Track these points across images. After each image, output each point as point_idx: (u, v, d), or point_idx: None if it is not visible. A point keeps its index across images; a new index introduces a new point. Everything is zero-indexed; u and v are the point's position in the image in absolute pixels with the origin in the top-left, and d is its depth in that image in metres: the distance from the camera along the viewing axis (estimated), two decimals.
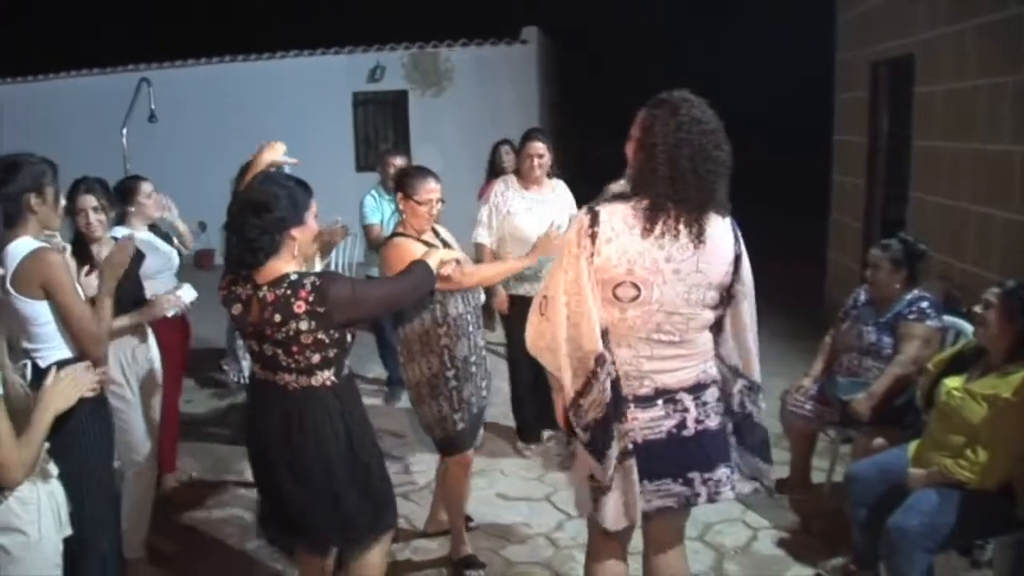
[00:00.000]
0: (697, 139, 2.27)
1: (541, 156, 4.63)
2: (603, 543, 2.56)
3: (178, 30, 14.61)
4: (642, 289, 2.28)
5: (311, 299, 2.44)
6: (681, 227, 2.27)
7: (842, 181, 7.13)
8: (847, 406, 3.67)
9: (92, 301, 2.80)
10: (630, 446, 2.35)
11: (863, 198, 6.58)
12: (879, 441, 3.51)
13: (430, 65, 11.23)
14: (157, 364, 3.74)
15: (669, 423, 2.37)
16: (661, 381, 2.37)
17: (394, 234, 3.44)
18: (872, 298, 3.88)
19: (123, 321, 3.32)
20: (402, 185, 3.38)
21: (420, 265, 2.77)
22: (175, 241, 4.42)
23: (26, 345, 2.61)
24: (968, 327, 3.58)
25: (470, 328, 3.44)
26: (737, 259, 2.39)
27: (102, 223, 3.52)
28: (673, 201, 2.26)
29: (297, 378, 2.56)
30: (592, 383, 2.31)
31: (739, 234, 2.42)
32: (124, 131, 6.44)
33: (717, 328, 2.46)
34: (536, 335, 2.45)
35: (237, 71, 11.42)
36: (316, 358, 2.53)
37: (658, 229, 2.26)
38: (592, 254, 2.28)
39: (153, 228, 4.23)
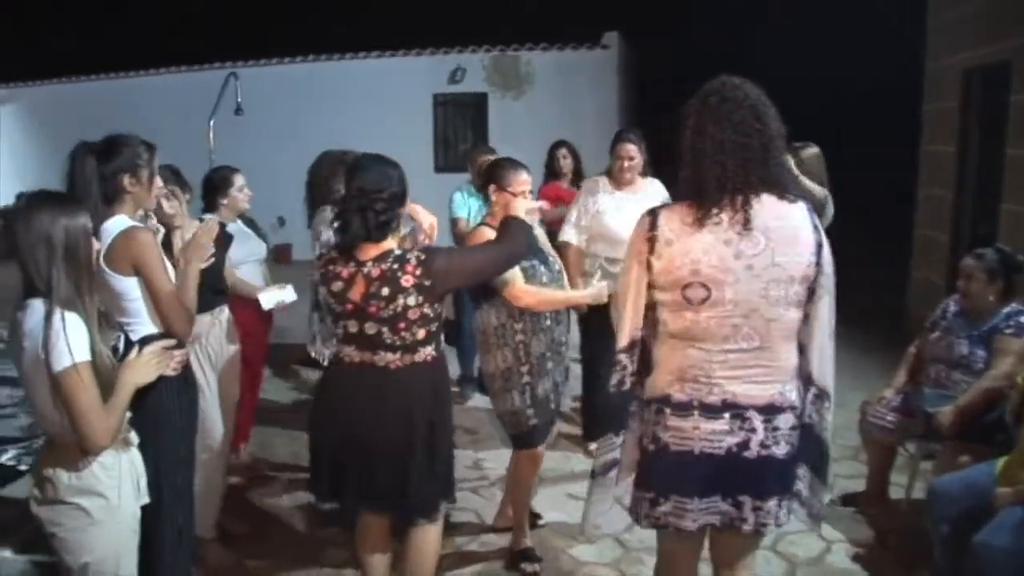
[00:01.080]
0: (736, 115, 2.17)
1: (632, 158, 4.60)
2: (672, 552, 2.49)
3: (264, 29, 15.01)
4: (712, 289, 2.17)
5: (418, 272, 2.56)
6: (742, 216, 2.15)
7: (929, 194, 6.94)
8: (932, 418, 3.56)
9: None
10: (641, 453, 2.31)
11: (951, 211, 6.39)
12: (964, 458, 3.40)
13: (511, 68, 11.30)
14: (235, 350, 3.83)
15: (732, 440, 2.23)
16: (731, 392, 2.22)
17: (480, 223, 3.47)
18: (963, 309, 3.76)
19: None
20: (495, 176, 3.39)
21: (515, 223, 2.82)
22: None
23: (119, 319, 2.71)
24: None
25: (547, 322, 3.42)
26: (819, 248, 2.23)
27: (175, 209, 3.58)
28: (723, 187, 2.15)
29: (401, 356, 2.63)
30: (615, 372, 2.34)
31: (818, 221, 2.26)
32: (211, 123, 6.63)
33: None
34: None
35: (321, 70, 11.68)
36: (421, 333, 2.62)
37: (716, 221, 2.15)
38: (648, 259, 2.22)
39: (242, 218, 4.34)
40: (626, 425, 2.38)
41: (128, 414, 2.33)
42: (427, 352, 2.66)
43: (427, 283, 2.55)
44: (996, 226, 5.55)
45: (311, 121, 10.25)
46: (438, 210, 5.34)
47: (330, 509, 2.89)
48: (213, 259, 2.97)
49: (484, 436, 5.14)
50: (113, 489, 2.28)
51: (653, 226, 2.23)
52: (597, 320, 4.61)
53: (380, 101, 11.03)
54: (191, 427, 2.97)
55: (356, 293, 2.60)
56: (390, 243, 2.65)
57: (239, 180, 4.20)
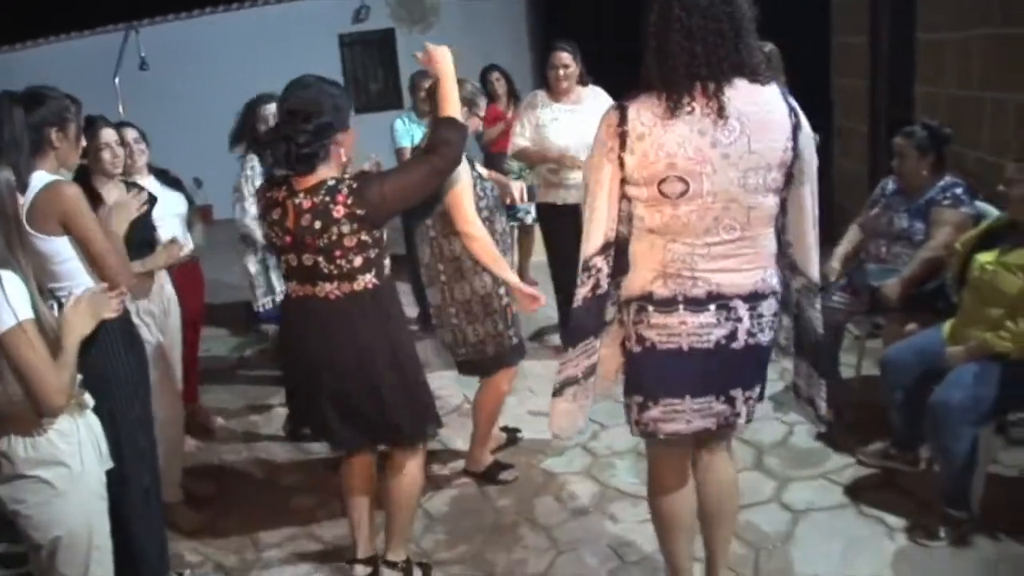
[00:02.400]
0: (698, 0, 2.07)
1: (567, 66, 4.57)
2: (661, 459, 2.46)
3: None
4: (690, 182, 2.08)
5: (349, 201, 2.44)
6: (716, 103, 2.05)
7: (843, 84, 7.04)
8: (877, 293, 3.67)
9: None
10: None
11: (866, 100, 6.50)
12: (911, 326, 3.52)
13: (415, 1, 11.01)
14: (175, 307, 3.70)
15: (720, 332, 2.18)
16: (716, 283, 2.16)
17: None
18: (900, 186, 3.85)
19: (136, 268, 3.27)
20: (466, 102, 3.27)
21: (446, 123, 2.62)
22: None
23: (50, 285, 2.54)
24: (994, 211, 3.56)
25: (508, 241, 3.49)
26: (795, 131, 2.14)
27: (119, 160, 3.41)
28: (693, 74, 2.05)
29: (339, 285, 2.54)
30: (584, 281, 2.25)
31: (794, 103, 2.17)
32: (116, 81, 6.30)
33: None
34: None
35: (223, 21, 11.15)
36: (358, 261, 2.51)
37: (688, 111, 2.06)
38: (620, 156, 2.13)
39: (163, 174, 4.12)
40: (600, 331, 2.32)
41: (79, 376, 2.23)
42: (367, 280, 2.55)
43: (360, 212, 2.44)
44: (911, 110, 5.67)
45: (219, 76, 9.80)
46: (358, 150, 5.26)
47: (295, 455, 2.85)
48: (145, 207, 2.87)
49: (434, 366, 5.10)
50: (74, 456, 2.18)
51: (623, 120, 2.13)
52: (559, 229, 4.66)
53: (286, 47, 10.62)
54: (143, 386, 2.85)
55: (291, 222, 2.49)
56: (325, 172, 2.51)
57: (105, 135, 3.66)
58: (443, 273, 3.37)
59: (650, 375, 2.26)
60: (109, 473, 2.36)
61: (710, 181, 2.07)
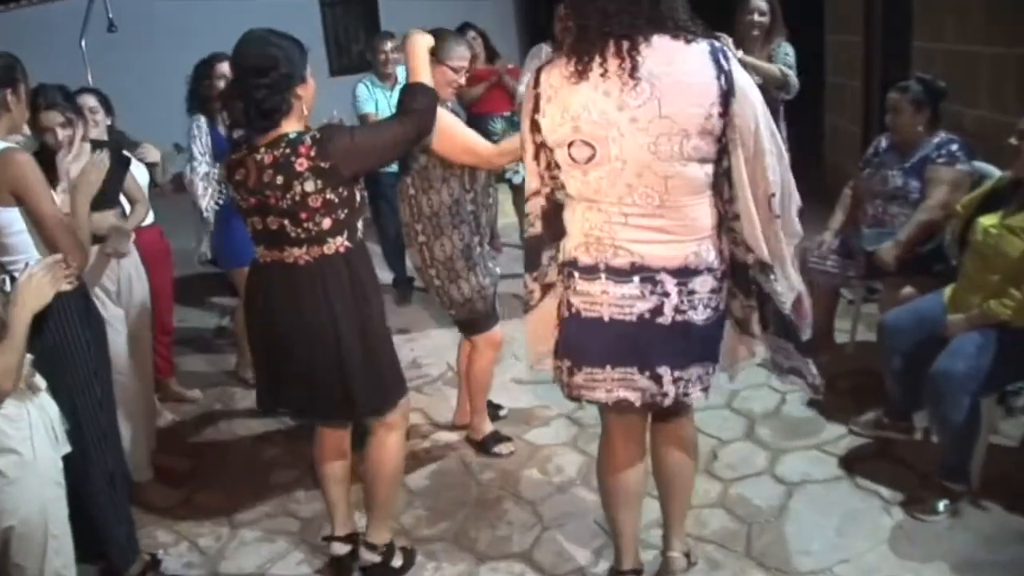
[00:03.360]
0: None
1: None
2: (607, 428, 2.41)
3: None
4: (596, 146, 1.98)
5: (312, 153, 2.28)
6: (621, 63, 1.91)
7: (838, 40, 6.87)
8: (873, 256, 3.54)
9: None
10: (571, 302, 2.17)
11: (861, 55, 6.34)
12: (908, 290, 3.40)
13: None
14: (141, 280, 3.55)
15: (643, 305, 2.06)
16: (639, 254, 2.04)
17: None
18: (894, 143, 3.70)
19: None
20: (434, 48, 3.12)
21: (419, 88, 2.49)
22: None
23: (1, 258, 2.41)
24: (995, 171, 3.42)
25: (490, 200, 3.35)
26: (725, 96, 1.93)
27: (70, 138, 3.23)
28: (605, 33, 1.92)
29: (308, 250, 2.39)
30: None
31: (729, 64, 1.95)
32: (83, 44, 6.03)
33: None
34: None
35: None
36: (327, 223, 2.36)
37: (594, 71, 1.94)
38: (534, 118, 2.10)
39: (123, 138, 3.93)
40: (537, 267, 2.32)
41: (29, 357, 2.08)
42: (338, 243, 2.40)
43: (324, 165, 2.28)
44: (908, 67, 5.51)
45: (193, 35, 9.49)
46: (340, 113, 5.09)
47: (275, 428, 2.72)
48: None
49: (419, 334, 4.99)
50: (25, 442, 2.04)
51: (536, 82, 2.07)
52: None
53: (263, 10, 10.34)
54: (103, 363, 2.69)
55: (252, 181, 2.34)
56: (288, 126, 2.36)
57: (88, 101, 3.67)
58: (421, 233, 3.24)
59: (574, 341, 2.18)
60: (70, 457, 2.24)
61: (617, 146, 1.96)
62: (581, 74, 1.95)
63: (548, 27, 4.68)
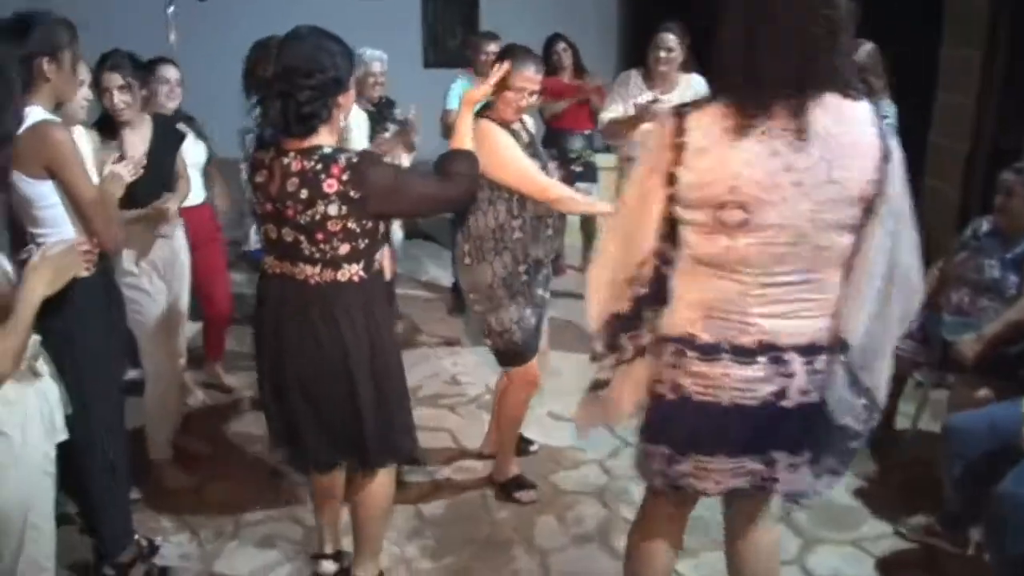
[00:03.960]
0: None
1: (671, 50, 4.22)
2: (661, 513, 2.16)
3: None
4: (753, 211, 1.74)
5: (345, 178, 2.12)
6: (790, 120, 1.70)
7: (947, 99, 6.49)
8: (951, 347, 3.25)
9: None
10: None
11: (971, 119, 5.96)
12: (984, 392, 3.11)
13: None
14: (183, 252, 3.48)
15: (768, 389, 1.85)
16: (770, 332, 1.82)
17: (480, 115, 3.05)
18: (998, 228, 3.38)
19: (131, 214, 3.04)
20: (499, 62, 2.99)
21: (461, 157, 2.38)
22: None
23: (31, 229, 2.34)
24: None
25: (549, 232, 3.14)
26: (883, 159, 1.76)
27: (129, 104, 3.16)
28: (779, 85, 1.70)
29: (321, 271, 2.24)
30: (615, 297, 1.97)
31: (885, 125, 1.79)
32: (169, 11, 6.01)
33: None
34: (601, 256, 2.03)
35: None
36: (344, 249, 2.21)
37: (763, 128, 1.70)
38: (673, 170, 1.79)
39: (190, 121, 3.82)
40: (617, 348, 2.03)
41: (36, 338, 1.99)
42: (353, 271, 2.25)
43: (354, 195, 2.12)
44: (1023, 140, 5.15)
45: (289, 13, 9.55)
46: (429, 107, 4.97)
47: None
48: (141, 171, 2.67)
49: (464, 348, 4.84)
50: (17, 427, 1.95)
51: (681, 130, 1.78)
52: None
53: None
54: (116, 353, 2.60)
55: (275, 187, 2.19)
56: (323, 138, 2.21)
57: (169, 72, 3.69)
58: (467, 255, 3.11)
59: (682, 427, 1.94)
60: (69, 443, 2.15)
61: (777, 212, 1.73)
62: (744, 128, 1.72)
63: (645, 46, 4.43)
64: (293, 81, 2.13)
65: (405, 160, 4.49)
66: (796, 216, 1.73)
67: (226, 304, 4.13)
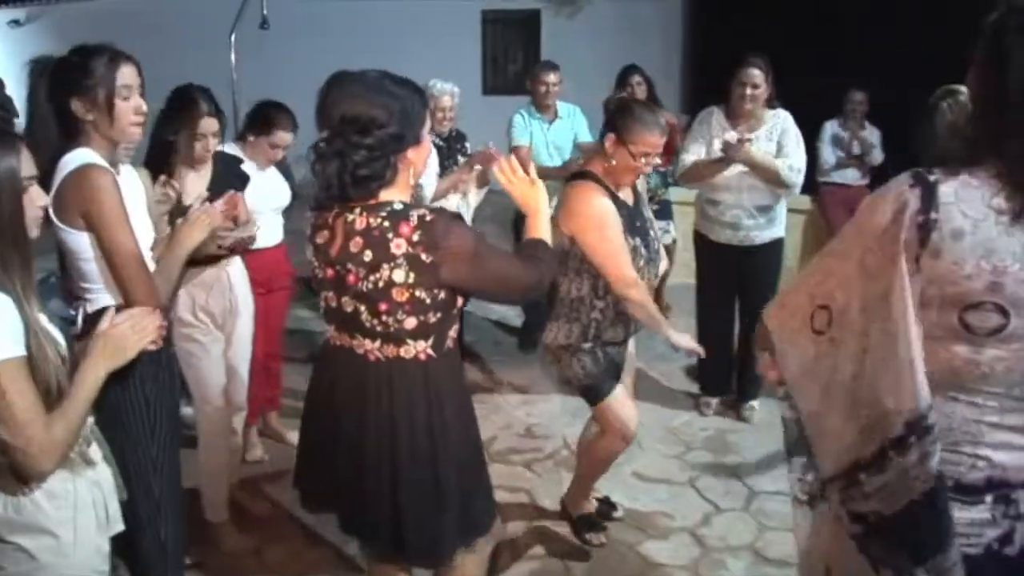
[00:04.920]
0: None
1: (756, 86, 3.92)
2: None
3: None
4: (1012, 315, 1.39)
5: (416, 239, 1.84)
6: None
7: None
8: None
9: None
10: None
11: None
12: None
13: None
14: (245, 302, 3.25)
15: (992, 533, 1.49)
16: (1000, 465, 1.47)
17: (585, 174, 2.86)
18: None
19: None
20: (618, 122, 2.79)
21: (543, 248, 2.10)
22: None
23: (79, 283, 2.09)
24: None
25: (634, 322, 2.93)
26: None
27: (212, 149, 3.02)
28: None
29: (382, 346, 1.95)
30: (891, 458, 1.42)
31: None
32: (232, 39, 5.90)
33: None
34: (803, 362, 1.56)
35: None
36: (411, 323, 1.91)
37: None
38: (920, 256, 1.40)
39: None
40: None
41: (90, 420, 1.75)
42: (419, 348, 1.95)
43: (425, 258, 1.84)
44: None
45: (348, 40, 9.45)
46: (487, 134, 4.72)
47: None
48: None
49: (538, 396, 4.55)
50: (65, 524, 1.69)
51: (930, 204, 1.39)
52: (751, 267, 4.12)
53: (424, 17, 10.22)
54: (166, 423, 2.28)
55: (336, 248, 1.92)
56: (393, 194, 1.93)
57: (283, 135, 3.45)
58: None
59: None
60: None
61: None
62: (1020, 213, 1.37)
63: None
64: (348, 138, 1.85)
65: (474, 197, 4.28)
66: None
67: (277, 350, 3.91)
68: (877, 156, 6.11)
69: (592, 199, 2.75)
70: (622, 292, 2.76)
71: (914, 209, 1.39)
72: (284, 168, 3.68)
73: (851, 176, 6.17)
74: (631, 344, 3.12)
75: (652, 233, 2.95)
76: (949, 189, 1.39)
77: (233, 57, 5.86)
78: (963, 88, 3.04)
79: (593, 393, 2.96)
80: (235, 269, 3.18)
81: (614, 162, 2.79)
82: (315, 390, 2.15)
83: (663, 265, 3.12)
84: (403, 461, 1.98)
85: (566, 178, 3.03)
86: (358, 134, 1.83)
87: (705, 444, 4.05)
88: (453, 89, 4.43)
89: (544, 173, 3.12)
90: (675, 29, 10.17)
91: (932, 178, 1.40)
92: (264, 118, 3.44)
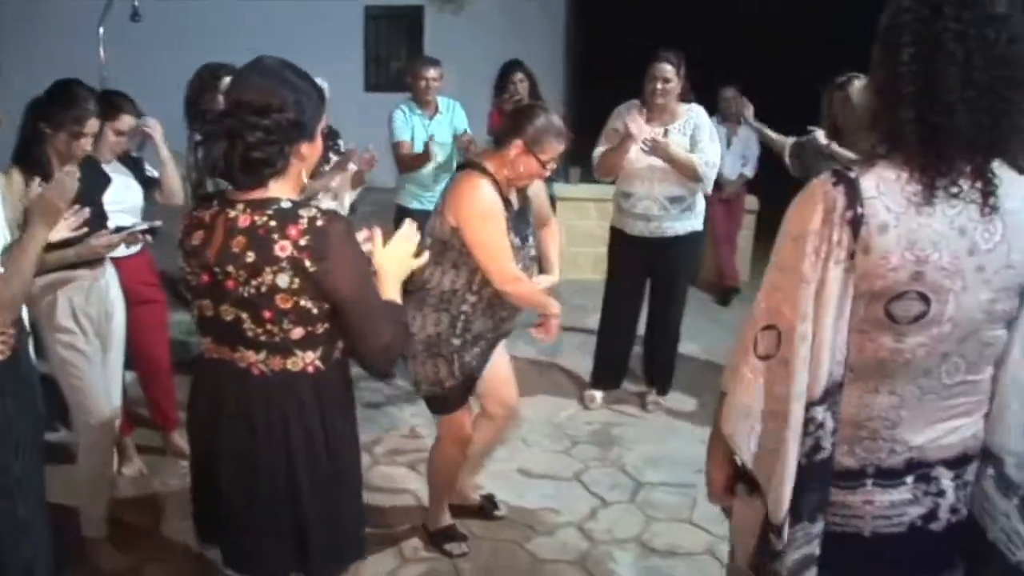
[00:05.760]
0: (993, 32, 1.37)
1: (668, 81, 3.99)
2: None
3: None
4: (932, 302, 1.43)
5: (303, 243, 1.71)
6: (975, 185, 1.41)
7: None
8: None
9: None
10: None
11: None
12: None
13: None
14: (119, 309, 3.13)
15: (915, 512, 1.56)
16: (918, 447, 1.53)
17: (477, 166, 2.83)
18: None
19: (64, 254, 2.70)
20: (528, 130, 2.77)
21: (397, 310, 1.95)
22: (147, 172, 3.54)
23: None
24: None
25: (503, 313, 2.91)
26: None
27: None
28: (975, 146, 1.41)
29: (267, 358, 1.81)
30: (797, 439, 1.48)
31: None
32: (101, 31, 5.63)
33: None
34: (748, 393, 1.54)
35: None
36: (297, 332, 1.79)
37: (947, 195, 1.41)
38: (852, 253, 1.42)
39: (126, 155, 3.42)
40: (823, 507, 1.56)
41: None
42: (307, 360, 1.83)
43: (309, 266, 1.71)
44: None
45: (226, 35, 9.14)
46: (369, 131, 4.67)
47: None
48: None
49: (413, 397, 4.52)
50: None
51: (855, 200, 1.41)
52: (664, 260, 4.18)
53: (305, 13, 10.00)
54: (32, 432, 2.18)
55: (214, 248, 1.77)
56: (283, 189, 1.81)
57: (128, 119, 3.28)
58: (409, 297, 2.86)
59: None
60: None
61: (956, 303, 1.44)
62: (932, 197, 1.41)
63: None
64: (243, 118, 1.73)
65: (348, 197, 4.22)
66: (972, 308, 1.44)
67: (166, 362, 3.75)
68: (753, 154, 6.31)
69: (483, 190, 2.73)
70: (502, 288, 2.75)
71: (842, 206, 1.42)
72: (137, 166, 3.48)
73: (729, 172, 6.33)
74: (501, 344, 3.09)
75: (531, 240, 2.94)
76: (870, 184, 1.43)
77: (102, 51, 5.60)
78: (862, 76, 3.35)
79: (436, 405, 2.98)
80: (110, 272, 3.06)
81: (521, 169, 2.78)
82: (194, 413, 1.99)
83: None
84: (302, 478, 1.87)
85: (461, 165, 2.98)
86: (255, 115, 1.72)
87: (591, 438, 4.11)
88: (323, 85, 4.34)
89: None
90: (558, 25, 10.29)
91: (852, 175, 1.44)
92: (108, 104, 3.17)
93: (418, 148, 4.70)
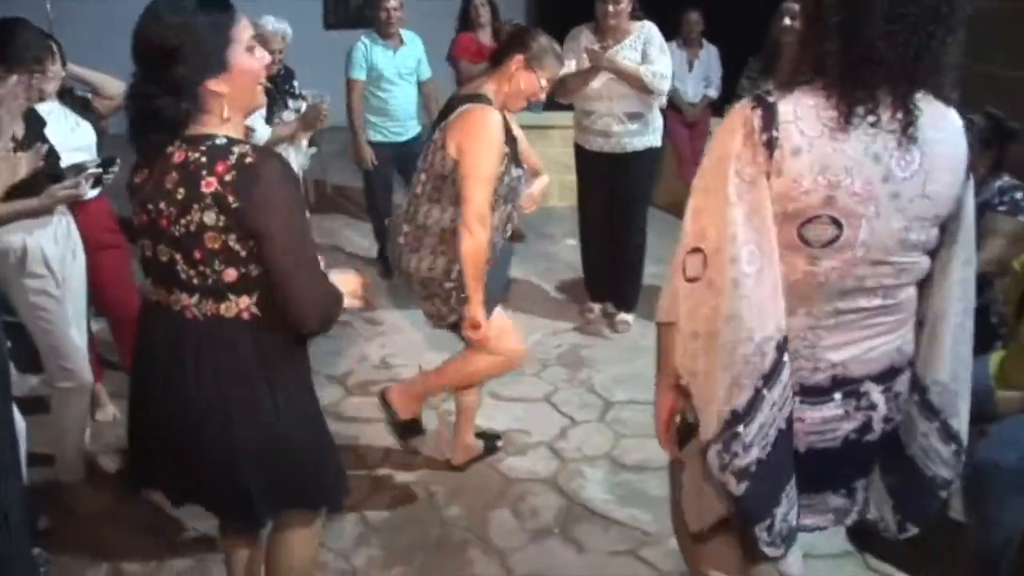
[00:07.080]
0: None
1: (618, 2, 4.00)
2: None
3: None
4: (845, 226, 1.47)
5: (227, 179, 1.63)
6: (895, 115, 1.44)
7: None
8: None
9: None
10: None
11: None
12: None
13: None
14: (80, 249, 3.09)
15: (848, 426, 1.62)
16: (842, 364, 1.58)
17: (481, 97, 2.77)
18: None
19: (15, 206, 2.65)
20: (531, 46, 2.79)
21: (339, 303, 1.86)
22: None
23: None
24: None
25: (499, 243, 2.87)
26: (967, 177, 1.54)
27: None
28: (890, 70, 1.42)
29: (200, 301, 1.73)
30: (762, 395, 1.49)
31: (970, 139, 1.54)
32: (48, 5, 5.45)
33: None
34: (678, 310, 1.59)
35: None
36: (230, 274, 1.70)
37: (866, 122, 1.43)
38: (769, 174, 1.46)
39: (67, 94, 3.26)
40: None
41: None
42: (242, 305, 1.73)
43: (232, 201, 1.63)
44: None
45: None
46: (329, 71, 4.58)
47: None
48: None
49: (389, 326, 4.56)
50: None
51: (771, 123, 1.45)
52: (623, 176, 4.22)
53: None
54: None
55: (149, 185, 1.71)
56: (216, 127, 1.71)
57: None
58: (402, 235, 2.87)
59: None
60: None
61: (869, 228, 1.47)
62: (850, 122, 1.44)
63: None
64: (145, 72, 1.67)
65: (304, 148, 4.19)
66: (886, 234, 1.48)
67: (133, 306, 3.70)
68: (716, 76, 6.28)
69: (493, 120, 2.69)
70: (467, 220, 2.64)
71: (758, 129, 1.45)
72: (85, 108, 3.32)
73: (692, 95, 6.30)
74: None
75: (520, 175, 2.91)
76: (788, 108, 1.46)
77: (50, 23, 5.41)
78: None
79: (456, 332, 2.95)
80: (68, 215, 3.02)
81: (521, 85, 2.77)
82: (136, 355, 1.93)
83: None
84: (237, 425, 1.78)
85: (461, 99, 2.84)
86: (151, 68, 1.65)
87: (559, 360, 4.18)
88: (286, 30, 4.23)
89: None
90: None
91: (771, 99, 1.47)
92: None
93: (388, 77, 4.71)
